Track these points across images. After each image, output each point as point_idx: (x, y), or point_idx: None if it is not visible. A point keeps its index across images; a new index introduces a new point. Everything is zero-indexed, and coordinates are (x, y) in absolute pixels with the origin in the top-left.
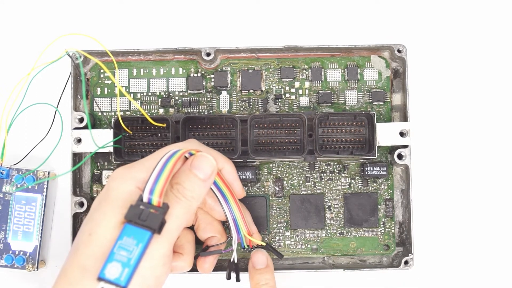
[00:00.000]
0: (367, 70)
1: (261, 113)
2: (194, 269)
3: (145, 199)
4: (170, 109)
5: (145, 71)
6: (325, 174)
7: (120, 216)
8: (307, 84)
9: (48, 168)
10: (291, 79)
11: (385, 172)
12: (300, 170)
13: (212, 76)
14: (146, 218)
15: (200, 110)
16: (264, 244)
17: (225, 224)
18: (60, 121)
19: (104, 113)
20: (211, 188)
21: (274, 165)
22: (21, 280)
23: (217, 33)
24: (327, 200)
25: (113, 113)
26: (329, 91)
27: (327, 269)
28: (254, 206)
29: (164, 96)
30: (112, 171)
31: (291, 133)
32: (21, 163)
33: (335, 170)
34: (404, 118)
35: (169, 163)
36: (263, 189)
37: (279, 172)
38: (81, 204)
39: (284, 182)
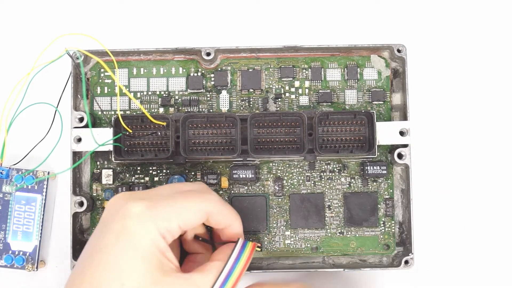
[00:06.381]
0: (367, 69)
1: (261, 112)
2: None
3: None
4: (170, 108)
5: (145, 71)
6: (325, 173)
7: (153, 267)
8: (307, 83)
9: (48, 168)
10: (291, 79)
11: (385, 171)
12: (300, 169)
13: (212, 75)
14: None
15: (200, 110)
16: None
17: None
18: (60, 121)
19: (104, 112)
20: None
21: (274, 164)
22: (21, 280)
23: (217, 33)
24: (327, 199)
25: (113, 112)
26: (329, 91)
27: (327, 268)
28: (254, 206)
29: (164, 95)
30: (111, 170)
31: (291, 132)
32: (21, 163)
33: (335, 169)
34: (404, 118)
35: (232, 277)
36: (263, 188)
37: (279, 171)
38: (81, 204)
39: (284, 181)
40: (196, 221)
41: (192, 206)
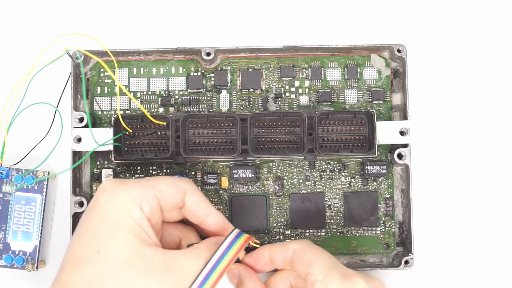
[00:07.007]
0: (367, 69)
1: (261, 111)
2: None
3: None
4: (170, 108)
5: (145, 70)
6: (325, 173)
7: (129, 235)
8: (307, 83)
9: (48, 168)
10: (291, 78)
11: (385, 171)
12: (300, 169)
13: (212, 75)
14: None
15: (200, 109)
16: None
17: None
18: (60, 121)
19: (104, 112)
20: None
21: (274, 163)
22: (21, 280)
23: (217, 33)
24: (327, 199)
25: (113, 112)
26: (329, 90)
27: None
28: (254, 205)
29: (164, 95)
30: (111, 170)
31: (291, 131)
32: (21, 163)
33: (335, 169)
34: (404, 118)
35: (221, 265)
36: (263, 188)
37: (279, 171)
38: (81, 204)
39: (284, 181)
40: (171, 193)
41: (166, 179)
